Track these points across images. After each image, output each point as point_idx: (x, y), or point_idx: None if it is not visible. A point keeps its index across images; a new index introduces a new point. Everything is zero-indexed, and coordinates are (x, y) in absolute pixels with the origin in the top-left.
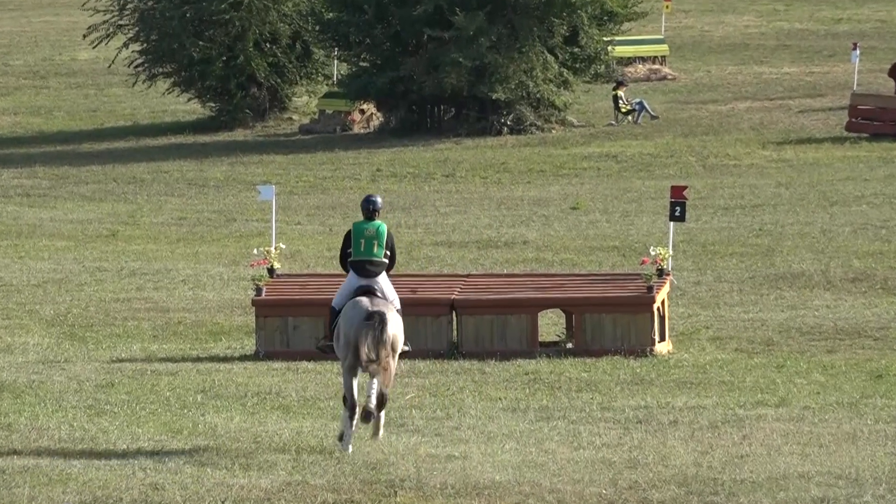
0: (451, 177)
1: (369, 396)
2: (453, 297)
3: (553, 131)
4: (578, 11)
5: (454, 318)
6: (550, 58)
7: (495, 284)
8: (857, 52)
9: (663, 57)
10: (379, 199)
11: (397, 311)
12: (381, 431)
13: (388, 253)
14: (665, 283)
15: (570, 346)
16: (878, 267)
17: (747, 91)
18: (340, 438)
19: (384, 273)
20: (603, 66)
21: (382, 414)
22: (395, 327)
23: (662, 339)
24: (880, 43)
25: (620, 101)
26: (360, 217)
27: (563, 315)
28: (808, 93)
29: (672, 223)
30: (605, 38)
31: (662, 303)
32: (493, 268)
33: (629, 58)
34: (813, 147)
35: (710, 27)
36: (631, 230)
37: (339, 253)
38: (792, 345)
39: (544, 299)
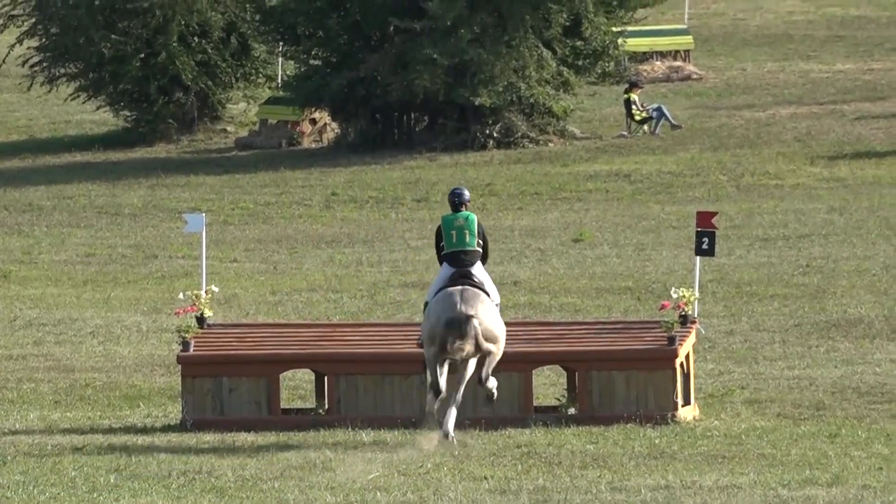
0: (423, 202)
1: (446, 422)
2: None
3: (550, 144)
4: None
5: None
6: (547, 53)
7: None
8: None
9: (687, 51)
10: (466, 192)
11: (495, 305)
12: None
13: (481, 242)
14: (690, 332)
15: (572, 411)
16: None
17: (791, 94)
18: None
19: (479, 263)
20: (612, 64)
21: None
22: (486, 323)
23: (687, 402)
24: None
25: (634, 107)
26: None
27: (564, 373)
28: (866, 95)
29: (699, 258)
30: (614, 29)
31: (687, 357)
32: None
33: (645, 53)
34: (873, 162)
35: (745, 14)
36: (647, 267)
37: (434, 251)
38: (848, 409)
39: (540, 353)
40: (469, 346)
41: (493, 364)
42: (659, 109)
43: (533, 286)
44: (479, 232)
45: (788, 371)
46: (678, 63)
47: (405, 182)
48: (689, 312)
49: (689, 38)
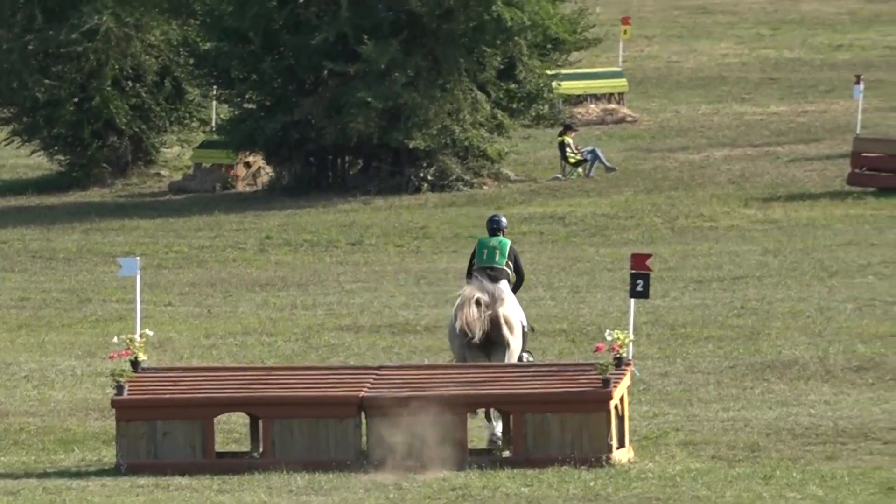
0: (358, 245)
1: (494, 431)
2: (362, 394)
3: (485, 187)
4: (516, 38)
5: (363, 420)
6: (481, 96)
7: (413, 378)
8: (861, 86)
9: (621, 94)
10: (504, 220)
11: (523, 326)
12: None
13: (511, 265)
14: (625, 375)
15: (507, 454)
16: (888, 353)
17: (725, 136)
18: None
19: (506, 281)
20: (546, 107)
21: None
22: (508, 308)
23: (622, 444)
24: (889, 75)
25: (568, 150)
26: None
27: (500, 416)
28: (800, 137)
29: (633, 300)
30: (548, 72)
31: (621, 400)
32: (410, 358)
33: (579, 95)
34: (807, 204)
35: (679, 57)
36: (582, 309)
37: (466, 268)
38: (783, 450)
39: (475, 396)
40: (488, 318)
41: (513, 359)
42: (593, 152)
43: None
44: (510, 255)
45: (723, 413)
46: (612, 106)
47: (339, 225)
48: (624, 355)
49: (623, 81)
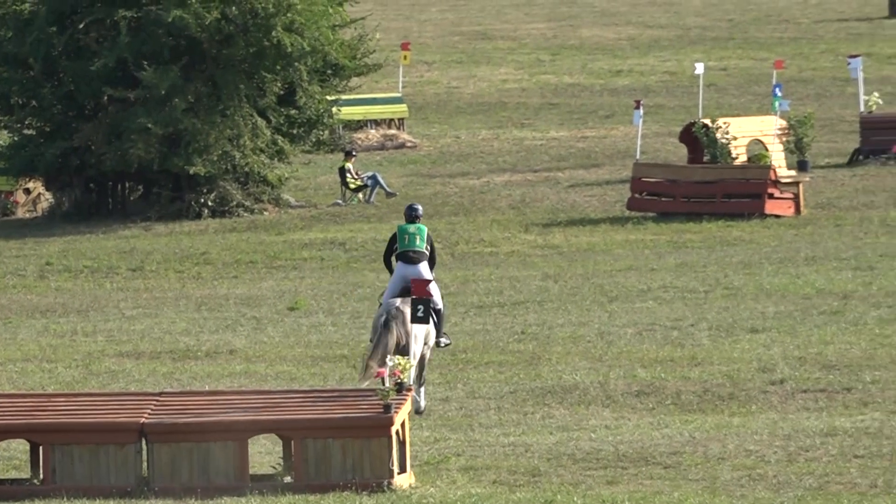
0: (138, 271)
1: (418, 402)
2: (143, 420)
3: (265, 213)
4: (296, 64)
5: (144, 446)
6: (261, 122)
7: (195, 404)
8: (641, 111)
9: (401, 120)
10: (420, 208)
11: (437, 310)
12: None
13: (428, 248)
14: (406, 400)
15: (288, 479)
16: (668, 378)
17: (505, 161)
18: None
19: (426, 262)
20: (327, 132)
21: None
22: (414, 326)
23: (403, 469)
24: (669, 100)
25: (349, 175)
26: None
27: (280, 441)
28: (580, 162)
29: (415, 326)
30: (329, 98)
31: (403, 425)
32: (191, 384)
33: (359, 121)
34: (587, 230)
35: (459, 83)
36: (363, 335)
37: (384, 251)
38: (563, 475)
39: (256, 422)
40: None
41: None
42: (374, 177)
43: (248, 354)
44: (427, 239)
45: (504, 438)
46: (392, 131)
47: (120, 251)
48: (405, 380)
49: (403, 107)
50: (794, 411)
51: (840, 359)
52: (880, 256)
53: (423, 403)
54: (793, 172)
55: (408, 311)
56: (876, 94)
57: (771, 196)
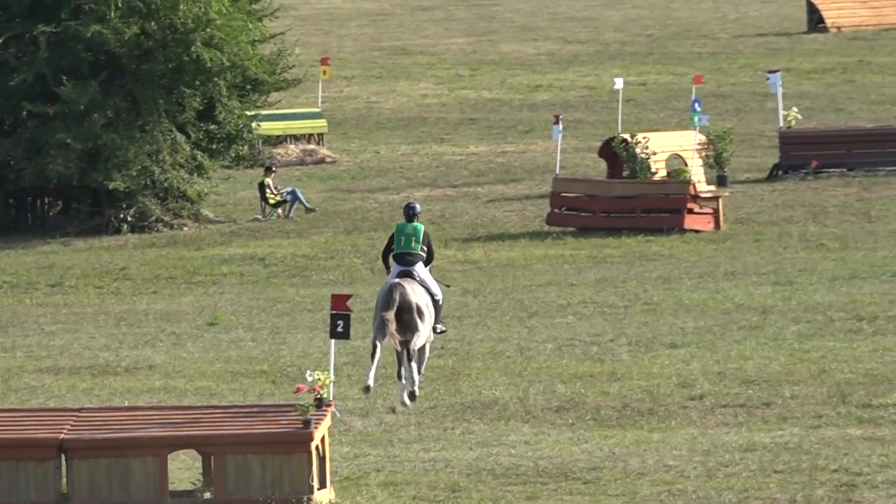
0: (58, 286)
1: (412, 386)
2: (62, 436)
3: (185, 228)
4: (215, 79)
5: (63, 462)
6: (181, 137)
7: (114, 420)
8: (560, 126)
9: (321, 135)
10: (418, 206)
11: (436, 300)
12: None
13: (425, 248)
14: (326, 416)
15: (208, 495)
16: (587, 393)
17: (425, 176)
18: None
19: (421, 263)
20: (246, 147)
21: (421, 372)
22: (419, 297)
23: (323, 485)
24: (588, 115)
25: (268, 191)
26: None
27: (200, 457)
28: (500, 177)
29: (333, 341)
30: (248, 113)
31: (322, 440)
32: (111, 400)
33: (279, 136)
34: (507, 245)
35: (379, 98)
36: (283, 350)
37: (383, 249)
38: (483, 491)
39: (175, 438)
40: (405, 312)
41: (419, 343)
42: (293, 193)
43: (168, 370)
44: (424, 240)
45: (424, 453)
46: (312, 146)
47: (39, 267)
48: (325, 395)
49: (322, 122)
50: (713, 426)
51: (759, 374)
52: (799, 271)
53: (417, 380)
54: (712, 187)
55: (408, 286)
56: (795, 109)
57: (690, 211)
